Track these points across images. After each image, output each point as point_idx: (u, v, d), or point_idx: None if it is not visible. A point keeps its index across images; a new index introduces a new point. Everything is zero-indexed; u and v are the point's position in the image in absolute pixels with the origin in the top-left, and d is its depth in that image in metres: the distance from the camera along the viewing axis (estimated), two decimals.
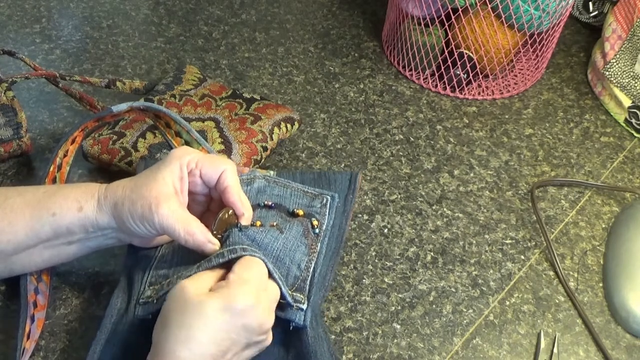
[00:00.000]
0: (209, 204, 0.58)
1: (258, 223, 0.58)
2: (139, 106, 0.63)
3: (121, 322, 0.53)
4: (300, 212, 0.61)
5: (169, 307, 0.47)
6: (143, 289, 0.54)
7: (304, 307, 0.53)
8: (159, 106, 0.64)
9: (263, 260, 0.51)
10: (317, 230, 0.60)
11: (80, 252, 0.56)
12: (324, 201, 0.63)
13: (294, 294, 0.54)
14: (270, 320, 0.50)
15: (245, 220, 0.55)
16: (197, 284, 0.48)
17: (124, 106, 0.62)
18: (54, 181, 0.62)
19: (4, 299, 0.60)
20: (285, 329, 0.54)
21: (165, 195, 0.51)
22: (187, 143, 0.67)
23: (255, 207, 0.60)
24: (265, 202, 0.61)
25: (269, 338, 0.51)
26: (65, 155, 0.63)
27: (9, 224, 0.52)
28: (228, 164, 0.55)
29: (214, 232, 0.53)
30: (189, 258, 0.54)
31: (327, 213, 0.62)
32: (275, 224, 0.58)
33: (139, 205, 0.51)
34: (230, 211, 0.54)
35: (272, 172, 0.66)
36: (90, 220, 0.53)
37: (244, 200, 0.55)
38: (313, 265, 0.57)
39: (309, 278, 0.55)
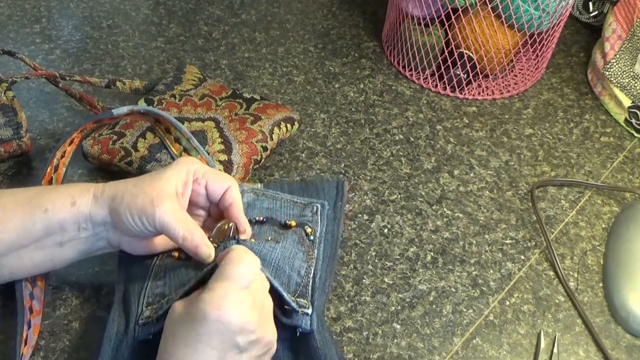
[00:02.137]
0: (204, 222, 0.59)
1: (253, 240, 0.58)
2: (139, 110, 0.63)
3: (121, 345, 0.52)
4: (293, 223, 0.62)
5: (162, 336, 0.49)
6: (141, 310, 0.53)
7: (309, 311, 0.53)
8: (160, 111, 0.64)
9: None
10: (311, 237, 0.60)
11: (71, 256, 0.55)
12: (315, 209, 0.63)
13: (298, 299, 0.54)
14: (253, 317, 0.47)
15: (244, 237, 0.56)
16: (178, 308, 0.48)
17: (124, 109, 0.62)
18: (50, 182, 0.62)
19: (3, 298, 0.60)
20: (292, 337, 0.54)
21: (167, 194, 0.52)
22: (185, 150, 0.67)
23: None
24: (257, 218, 0.62)
25: (265, 338, 0.48)
26: (62, 157, 0.63)
27: (1, 222, 0.52)
28: (233, 180, 0.56)
29: (211, 239, 0.54)
30: (183, 273, 0.54)
31: (319, 220, 0.62)
32: (269, 238, 0.59)
33: (140, 199, 0.51)
34: (231, 224, 0.55)
35: (259, 185, 0.66)
36: (84, 215, 0.53)
37: (245, 220, 0.57)
38: (313, 270, 0.57)
39: (310, 283, 0.56)
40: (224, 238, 0.55)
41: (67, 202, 0.53)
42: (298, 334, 0.53)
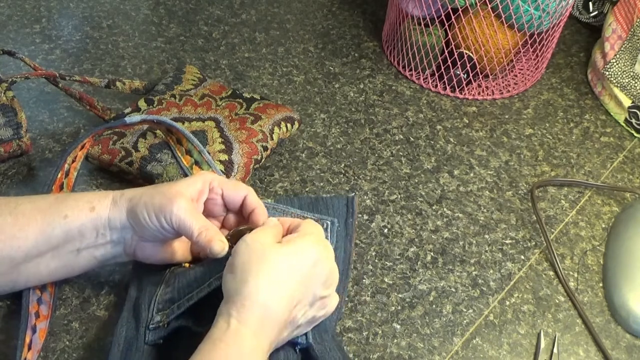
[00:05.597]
0: None
1: None
2: (152, 119, 0.64)
3: (130, 350, 0.52)
4: None
5: (242, 259, 0.49)
6: (151, 316, 0.54)
7: None
8: (172, 122, 0.65)
9: None
10: None
11: (87, 264, 0.56)
12: (324, 226, 0.64)
13: None
14: (335, 277, 0.52)
15: None
16: (266, 237, 0.50)
17: (137, 118, 0.63)
18: (61, 188, 0.62)
19: (5, 298, 0.60)
20: (293, 354, 0.54)
21: (183, 195, 0.53)
22: (197, 163, 0.67)
23: None
24: None
25: (332, 301, 0.52)
26: (73, 161, 0.64)
27: (20, 230, 0.52)
28: (249, 188, 0.57)
29: (227, 237, 0.54)
30: (191, 278, 0.54)
31: (328, 237, 0.63)
32: None
33: (157, 198, 0.52)
34: (252, 229, 0.55)
35: (269, 200, 0.67)
36: (102, 220, 0.54)
37: None
38: None
39: None
40: (238, 240, 0.55)
41: (86, 207, 0.53)
42: (297, 351, 0.53)
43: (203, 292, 0.52)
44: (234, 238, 0.55)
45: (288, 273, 0.48)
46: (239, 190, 0.57)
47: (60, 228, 0.53)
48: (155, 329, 0.53)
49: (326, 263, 0.51)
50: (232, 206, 0.58)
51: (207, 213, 0.58)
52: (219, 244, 0.52)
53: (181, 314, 0.52)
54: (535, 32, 0.86)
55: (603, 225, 0.74)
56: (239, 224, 0.58)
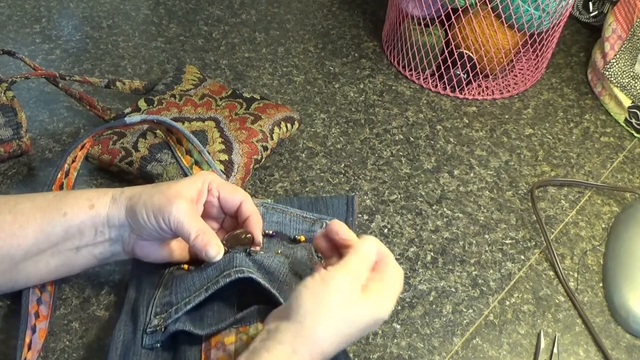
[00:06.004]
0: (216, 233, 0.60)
1: (262, 252, 0.59)
2: (152, 119, 0.64)
3: (128, 353, 0.52)
4: (302, 238, 0.62)
5: (329, 292, 0.47)
6: (149, 319, 0.54)
7: None
8: (172, 122, 0.65)
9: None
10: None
11: (86, 262, 0.56)
12: (324, 225, 0.64)
13: None
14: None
15: (256, 249, 0.57)
16: (358, 280, 0.48)
17: (137, 118, 0.63)
18: (61, 188, 0.62)
19: (5, 298, 0.60)
20: None
21: (183, 196, 0.53)
22: (197, 163, 0.67)
23: None
24: (267, 231, 0.62)
25: None
26: (73, 161, 0.64)
27: (20, 227, 0.52)
28: (246, 194, 0.57)
29: (224, 242, 0.55)
30: (189, 282, 0.54)
31: None
32: (279, 252, 0.59)
33: (157, 198, 0.52)
34: (249, 235, 0.56)
35: (269, 200, 0.67)
36: (101, 218, 0.54)
37: (261, 234, 0.58)
38: None
39: None
40: (236, 245, 0.56)
41: (86, 205, 0.54)
42: None
43: (200, 296, 0.52)
44: (229, 242, 0.56)
45: (357, 324, 0.48)
46: (235, 195, 0.57)
47: (60, 226, 0.53)
48: (152, 333, 0.53)
49: (384, 320, 0.49)
50: (228, 210, 0.58)
51: (204, 214, 0.58)
52: (215, 248, 0.53)
53: (179, 317, 0.52)
54: (535, 32, 0.86)
55: (603, 225, 0.74)
56: (237, 227, 0.58)
